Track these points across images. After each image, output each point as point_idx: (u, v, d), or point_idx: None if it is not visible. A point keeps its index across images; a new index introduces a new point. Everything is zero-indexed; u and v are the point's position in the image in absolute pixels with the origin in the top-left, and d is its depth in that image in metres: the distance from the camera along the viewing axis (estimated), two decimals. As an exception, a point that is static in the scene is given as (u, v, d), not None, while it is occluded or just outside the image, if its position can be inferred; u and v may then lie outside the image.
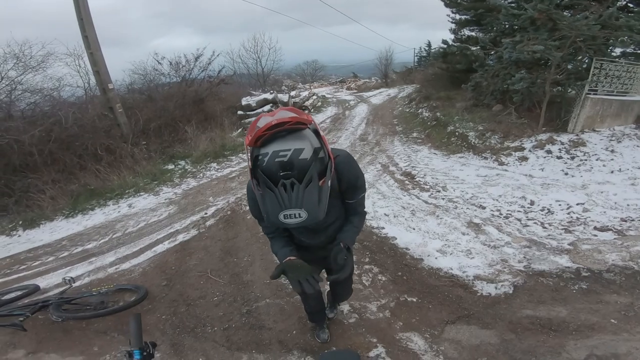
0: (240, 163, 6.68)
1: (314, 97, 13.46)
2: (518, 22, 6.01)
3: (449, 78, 9.69)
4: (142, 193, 5.53)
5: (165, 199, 5.23)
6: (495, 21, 7.38)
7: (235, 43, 36.79)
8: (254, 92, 11.77)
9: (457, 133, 6.70)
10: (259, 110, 9.61)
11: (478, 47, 7.70)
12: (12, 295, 2.97)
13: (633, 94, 5.68)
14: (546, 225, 3.53)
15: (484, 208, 4.03)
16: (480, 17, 8.14)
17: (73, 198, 5.38)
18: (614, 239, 3.15)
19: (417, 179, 5.11)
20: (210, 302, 2.81)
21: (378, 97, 15.25)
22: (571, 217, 3.65)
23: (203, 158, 6.90)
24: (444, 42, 8.88)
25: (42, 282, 3.37)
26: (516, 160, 5.26)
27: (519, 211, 3.89)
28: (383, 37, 61.42)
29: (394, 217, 3.95)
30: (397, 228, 3.70)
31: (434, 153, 6.34)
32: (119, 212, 4.97)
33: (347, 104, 13.59)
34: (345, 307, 2.57)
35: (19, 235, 4.68)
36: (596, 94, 5.50)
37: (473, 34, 9.33)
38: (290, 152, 0.98)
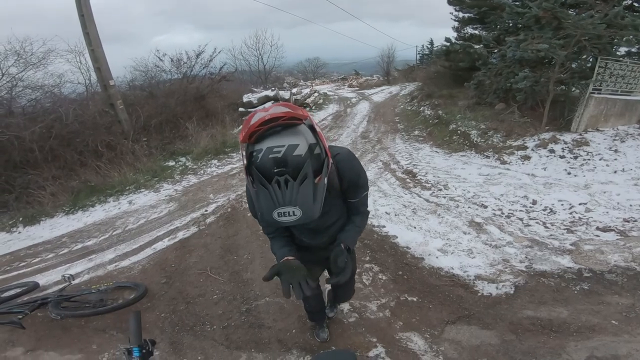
0: (241, 160, 6.65)
1: (316, 94, 13.41)
2: (522, 20, 5.95)
3: (452, 76, 9.64)
4: (142, 190, 5.52)
5: (166, 196, 5.22)
6: (499, 19, 7.32)
7: (237, 40, 36.65)
8: (255, 89, 11.73)
9: (459, 131, 6.66)
10: (260, 108, 9.59)
11: (481, 46, 7.66)
12: (12, 292, 2.98)
13: (637, 93, 5.63)
14: (548, 225, 3.51)
15: (485, 207, 4.01)
16: (483, 15, 8.08)
17: (73, 194, 5.38)
18: (617, 239, 3.13)
19: (418, 177, 5.08)
20: (209, 300, 2.81)
21: (380, 94, 15.20)
22: (573, 217, 3.62)
23: (204, 155, 6.88)
24: (447, 40, 8.85)
25: (42, 279, 3.37)
26: (518, 159, 5.22)
27: (520, 210, 3.86)
28: (385, 34, 61.07)
29: (395, 215, 3.93)
30: (398, 226, 3.68)
31: (436, 151, 6.30)
32: (119, 208, 4.97)
33: (348, 102, 13.55)
34: (345, 306, 2.56)
35: (19, 232, 4.68)
36: (600, 93, 5.45)
37: (476, 32, 9.27)
38: (284, 148, 0.95)
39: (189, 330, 2.50)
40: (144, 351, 1.11)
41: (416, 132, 7.78)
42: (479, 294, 2.59)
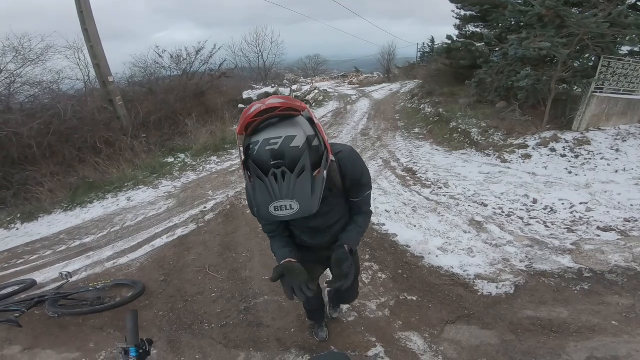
0: (240, 157, 6.63)
1: (316, 91, 13.35)
2: (525, 18, 5.91)
3: (453, 74, 9.60)
4: (141, 186, 5.50)
5: (165, 193, 5.19)
6: (501, 17, 7.28)
7: (237, 37, 36.45)
8: (255, 86, 11.69)
9: (459, 129, 6.63)
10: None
11: (483, 44, 7.61)
12: (9, 290, 2.96)
13: (640, 92, 5.61)
14: (549, 225, 3.49)
15: (486, 206, 3.99)
16: (485, 13, 8.05)
17: (72, 191, 5.35)
18: (617, 239, 3.11)
19: (418, 175, 5.06)
20: (208, 299, 2.79)
21: (380, 92, 15.13)
22: (574, 216, 3.60)
23: (203, 151, 6.85)
24: (449, 37, 8.80)
25: (40, 276, 3.35)
26: (519, 157, 5.20)
27: (521, 209, 3.84)
28: (386, 32, 61.07)
29: (395, 213, 3.91)
30: (398, 225, 3.66)
31: (436, 149, 6.28)
32: (117, 205, 4.95)
33: (349, 99, 13.49)
34: (344, 305, 2.55)
35: (17, 229, 4.66)
36: (602, 92, 5.43)
37: (478, 30, 9.24)
38: (281, 139, 0.92)
39: (187, 329, 2.48)
40: (141, 351, 1.11)
41: (416, 130, 7.75)
42: (479, 294, 2.58)
